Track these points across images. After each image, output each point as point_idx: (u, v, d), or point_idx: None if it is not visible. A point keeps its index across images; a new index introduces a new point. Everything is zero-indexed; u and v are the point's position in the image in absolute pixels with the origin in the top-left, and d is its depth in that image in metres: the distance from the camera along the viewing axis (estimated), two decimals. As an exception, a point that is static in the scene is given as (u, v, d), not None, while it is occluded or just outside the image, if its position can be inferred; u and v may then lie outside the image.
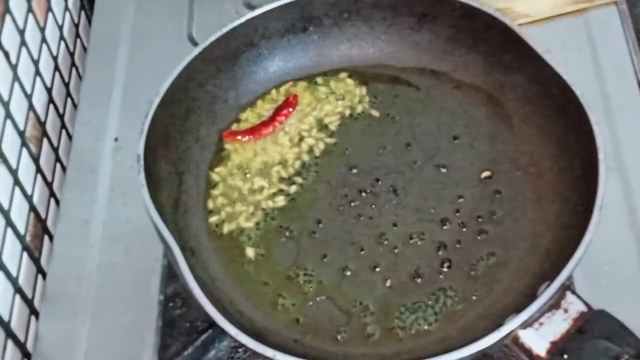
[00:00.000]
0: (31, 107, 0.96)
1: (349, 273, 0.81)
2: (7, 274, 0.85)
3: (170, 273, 0.87)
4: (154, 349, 0.83)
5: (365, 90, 0.94)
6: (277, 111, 0.92)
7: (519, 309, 0.69)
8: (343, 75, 0.95)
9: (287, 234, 0.84)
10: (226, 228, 0.85)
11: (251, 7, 1.06)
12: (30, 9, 0.97)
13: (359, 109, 0.93)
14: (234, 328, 0.70)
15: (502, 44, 0.88)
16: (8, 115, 0.89)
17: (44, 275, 0.92)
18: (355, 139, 0.91)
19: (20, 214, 0.90)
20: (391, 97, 0.94)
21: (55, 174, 1.01)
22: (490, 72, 0.91)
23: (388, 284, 0.80)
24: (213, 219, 0.86)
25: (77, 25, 1.13)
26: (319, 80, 0.95)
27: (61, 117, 1.05)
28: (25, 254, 0.90)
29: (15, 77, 0.92)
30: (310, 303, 0.80)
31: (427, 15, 0.92)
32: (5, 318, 0.84)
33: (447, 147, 0.89)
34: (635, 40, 1.02)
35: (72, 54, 1.11)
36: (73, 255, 0.90)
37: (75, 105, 1.08)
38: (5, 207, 0.86)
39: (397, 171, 0.88)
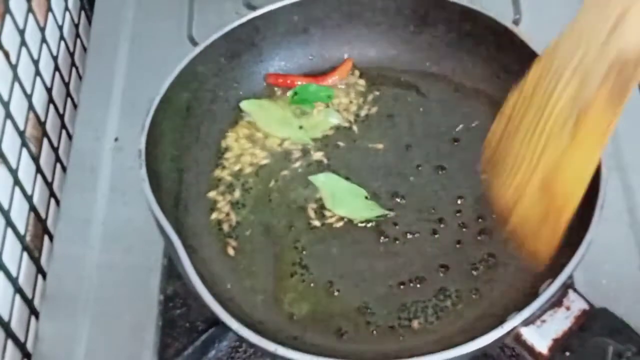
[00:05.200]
0: (31, 107, 0.96)
1: (349, 272, 0.81)
2: (7, 274, 0.85)
3: (171, 273, 0.87)
4: (154, 349, 0.83)
5: (365, 91, 0.94)
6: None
7: (520, 308, 0.69)
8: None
9: (289, 233, 0.84)
10: (226, 225, 0.85)
11: (251, 7, 1.06)
12: (30, 9, 0.97)
13: (360, 110, 0.93)
14: (236, 322, 0.70)
15: (503, 47, 0.88)
16: (8, 115, 0.89)
17: (44, 275, 0.92)
18: (356, 140, 0.91)
19: (20, 214, 0.90)
20: (391, 99, 0.94)
21: (55, 174, 1.01)
22: (490, 75, 0.91)
23: (389, 283, 0.80)
24: (214, 216, 0.86)
25: (77, 25, 1.14)
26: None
27: (61, 117, 1.05)
28: (25, 254, 0.90)
29: (15, 77, 0.92)
30: (311, 301, 0.80)
31: (428, 18, 0.93)
32: (5, 318, 0.84)
33: (448, 149, 0.89)
34: (636, 41, 1.02)
35: (72, 54, 1.11)
36: (73, 255, 0.90)
37: (75, 105, 1.08)
38: (5, 207, 0.86)
39: (397, 172, 0.88)
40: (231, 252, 0.83)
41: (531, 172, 0.73)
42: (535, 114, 0.71)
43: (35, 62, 0.98)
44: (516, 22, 1.04)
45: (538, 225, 0.74)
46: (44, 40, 1.01)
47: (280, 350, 0.68)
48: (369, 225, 0.84)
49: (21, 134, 0.92)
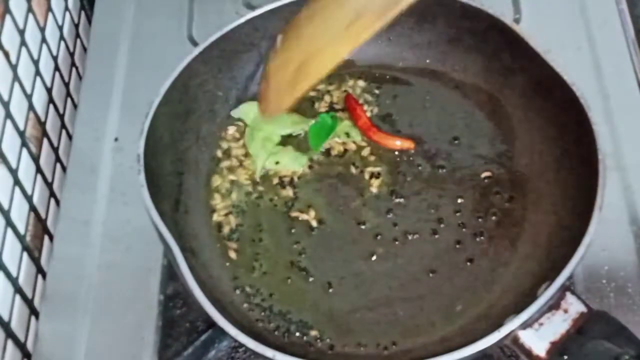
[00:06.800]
0: (31, 107, 0.95)
1: (348, 273, 0.81)
2: (7, 274, 0.85)
3: (170, 273, 0.87)
4: (154, 349, 0.83)
5: (365, 91, 0.94)
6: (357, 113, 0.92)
7: (518, 310, 0.69)
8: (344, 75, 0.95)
9: (288, 235, 0.85)
10: (227, 228, 0.85)
11: (251, 7, 1.06)
12: (30, 9, 0.97)
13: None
14: (234, 328, 0.70)
15: (502, 44, 0.88)
16: (8, 115, 0.88)
17: (44, 275, 0.92)
18: (355, 139, 0.91)
19: (20, 214, 0.90)
20: (391, 97, 0.94)
21: (55, 174, 1.01)
22: (490, 72, 0.91)
23: (388, 284, 0.80)
24: (214, 218, 0.86)
25: (77, 25, 1.13)
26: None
27: (61, 117, 1.05)
28: (25, 254, 0.90)
29: (15, 77, 0.91)
30: (311, 303, 0.80)
31: (427, 16, 0.92)
32: (5, 318, 0.84)
33: (447, 147, 0.89)
34: (635, 40, 1.02)
35: (72, 54, 1.11)
36: (73, 255, 0.90)
37: (75, 105, 1.08)
38: (5, 207, 0.86)
39: (396, 171, 0.88)
40: (232, 255, 0.83)
41: (300, 51, 0.82)
42: (326, 7, 0.81)
43: (35, 62, 0.98)
44: (516, 21, 1.04)
45: (283, 89, 0.83)
46: (44, 40, 1.01)
47: (279, 357, 0.68)
48: (369, 226, 0.84)
49: (21, 134, 0.91)
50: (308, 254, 0.83)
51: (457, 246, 0.83)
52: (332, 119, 0.91)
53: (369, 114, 0.92)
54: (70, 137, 1.05)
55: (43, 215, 0.96)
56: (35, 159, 0.95)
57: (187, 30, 1.07)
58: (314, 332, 0.78)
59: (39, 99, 0.98)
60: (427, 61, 0.95)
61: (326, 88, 0.94)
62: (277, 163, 0.89)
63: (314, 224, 0.85)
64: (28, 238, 0.91)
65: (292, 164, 0.89)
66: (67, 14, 1.10)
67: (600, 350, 0.68)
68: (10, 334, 0.85)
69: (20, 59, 0.93)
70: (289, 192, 0.87)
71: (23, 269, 0.89)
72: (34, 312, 0.91)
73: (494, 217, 0.84)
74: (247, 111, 0.92)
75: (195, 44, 1.04)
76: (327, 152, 0.90)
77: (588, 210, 0.73)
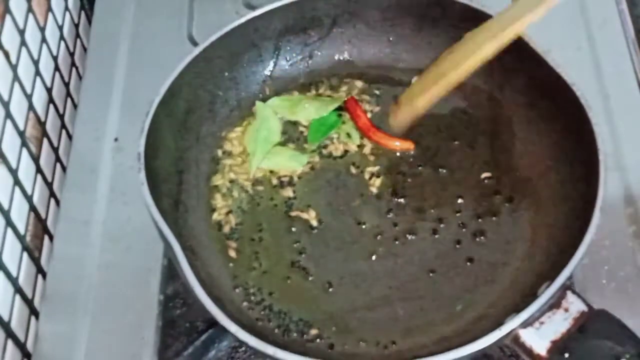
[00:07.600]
0: (31, 107, 0.95)
1: (348, 273, 0.81)
2: (7, 274, 0.85)
3: (170, 273, 0.87)
4: (154, 349, 0.83)
5: (365, 91, 0.94)
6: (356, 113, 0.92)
7: (519, 310, 0.69)
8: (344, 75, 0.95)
9: (288, 234, 0.85)
10: (227, 227, 0.85)
11: (251, 7, 1.06)
12: (30, 9, 0.97)
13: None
14: (235, 325, 0.70)
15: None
16: (8, 115, 0.88)
17: (44, 275, 0.92)
18: (355, 142, 0.91)
19: (20, 214, 0.90)
20: (391, 98, 0.94)
21: (55, 174, 1.01)
22: (490, 73, 0.91)
23: (388, 284, 0.80)
24: (214, 217, 0.86)
25: (77, 25, 1.13)
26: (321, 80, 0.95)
27: (61, 117, 1.05)
28: (25, 254, 0.90)
29: (15, 77, 0.91)
30: (311, 302, 0.80)
31: (427, 16, 0.92)
32: (5, 318, 0.84)
33: (447, 148, 0.89)
34: (635, 40, 1.02)
35: (72, 54, 1.11)
36: (73, 255, 0.90)
37: (75, 105, 1.08)
38: (5, 207, 0.86)
39: (396, 171, 0.88)
40: (232, 253, 0.83)
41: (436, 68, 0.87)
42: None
43: (35, 62, 0.98)
44: (516, 21, 1.04)
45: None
46: (44, 40, 1.01)
47: (279, 354, 0.68)
48: (369, 226, 0.84)
49: (21, 134, 0.91)
50: (308, 253, 0.83)
51: (457, 246, 0.83)
52: (337, 117, 0.91)
53: (369, 114, 0.92)
54: (70, 137, 1.05)
55: (43, 215, 0.96)
56: (35, 159, 0.95)
57: (187, 30, 1.07)
58: (314, 331, 0.78)
59: (39, 99, 0.98)
60: (427, 62, 0.95)
61: (326, 90, 0.94)
62: (276, 162, 0.89)
63: (314, 223, 0.85)
64: (28, 238, 0.91)
65: (292, 163, 0.89)
66: (67, 14, 1.10)
67: (601, 349, 0.68)
68: (10, 334, 0.85)
69: (20, 59, 0.93)
70: (288, 191, 0.87)
71: (23, 269, 0.89)
72: (34, 312, 0.91)
73: (494, 217, 0.84)
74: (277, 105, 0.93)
75: (195, 44, 1.04)
76: (328, 153, 0.90)
77: (588, 210, 0.73)
